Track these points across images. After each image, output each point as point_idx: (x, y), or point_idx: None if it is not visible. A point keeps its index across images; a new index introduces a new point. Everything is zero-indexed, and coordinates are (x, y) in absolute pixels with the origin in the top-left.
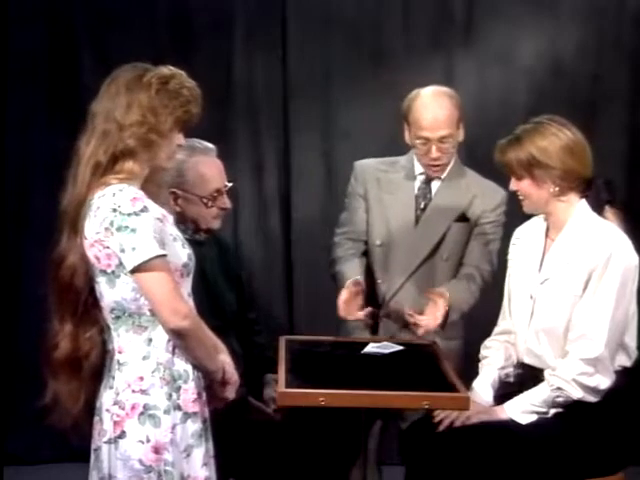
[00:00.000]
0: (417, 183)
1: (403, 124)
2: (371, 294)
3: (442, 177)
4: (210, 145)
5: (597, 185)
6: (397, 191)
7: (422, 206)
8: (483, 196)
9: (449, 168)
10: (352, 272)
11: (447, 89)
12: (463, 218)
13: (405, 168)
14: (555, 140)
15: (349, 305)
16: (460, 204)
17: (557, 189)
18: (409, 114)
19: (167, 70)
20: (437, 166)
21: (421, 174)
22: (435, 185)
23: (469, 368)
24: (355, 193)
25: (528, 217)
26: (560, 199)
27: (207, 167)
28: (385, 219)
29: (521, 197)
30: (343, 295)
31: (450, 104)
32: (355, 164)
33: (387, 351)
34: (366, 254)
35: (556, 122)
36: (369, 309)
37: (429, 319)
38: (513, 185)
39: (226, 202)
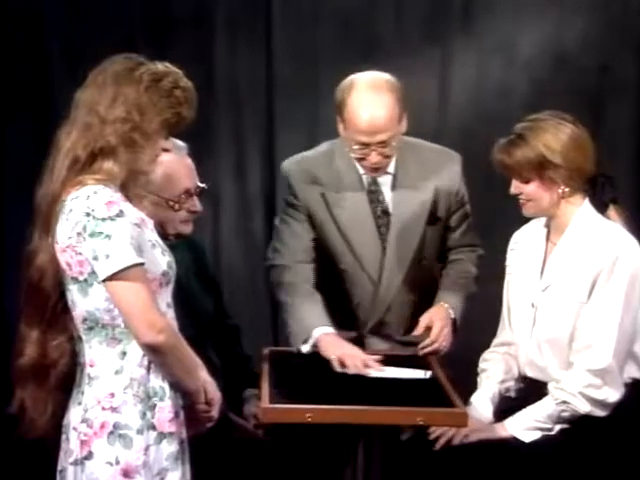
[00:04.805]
0: (365, 185)
1: (336, 115)
2: (344, 313)
3: (390, 171)
4: (180, 142)
5: (599, 183)
6: (348, 204)
7: (379, 213)
8: (443, 181)
9: (395, 159)
10: (317, 318)
11: (386, 78)
12: (435, 219)
13: (347, 172)
14: (561, 136)
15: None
16: (425, 204)
17: (567, 190)
18: (343, 110)
19: (162, 67)
20: (377, 169)
21: (365, 173)
22: (384, 182)
23: (467, 381)
24: (297, 210)
25: (527, 220)
26: (568, 200)
27: (175, 167)
28: (345, 238)
29: (524, 200)
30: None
31: (390, 100)
32: (290, 176)
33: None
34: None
35: (555, 117)
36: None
37: (437, 341)
38: (516, 189)
39: (196, 205)
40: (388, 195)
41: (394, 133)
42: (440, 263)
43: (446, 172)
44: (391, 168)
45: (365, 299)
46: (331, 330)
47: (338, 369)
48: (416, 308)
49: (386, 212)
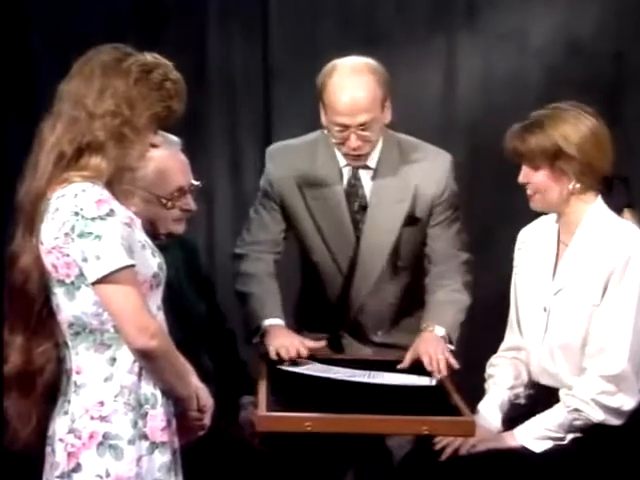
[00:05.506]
0: (345, 178)
1: (319, 103)
2: (319, 308)
3: (372, 166)
4: (174, 138)
5: (614, 184)
6: (324, 196)
7: (356, 208)
8: (425, 179)
9: (378, 154)
10: (269, 310)
11: (369, 61)
12: (413, 220)
13: (328, 163)
14: (581, 128)
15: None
16: (403, 203)
17: (578, 186)
18: (324, 93)
19: (151, 58)
20: (358, 156)
21: (346, 165)
22: (365, 177)
23: (474, 387)
24: (270, 199)
25: (536, 216)
26: (579, 197)
27: (168, 162)
28: (319, 229)
29: (531, 191)
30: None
31: (372, 82)
32: (269, 164)
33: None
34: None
35: (577, 107)
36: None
37: (436, 366)
38: (524, 177)
39: (190, 203)
40: (368, 190)
41: (375, 116)
42: (424, 268)
43: (431, 172)
44: (373, 163)
45: (336, 292)
46: (280, 322)
47: (274, 357)
48: (394, 311)
49: (364, 207)
